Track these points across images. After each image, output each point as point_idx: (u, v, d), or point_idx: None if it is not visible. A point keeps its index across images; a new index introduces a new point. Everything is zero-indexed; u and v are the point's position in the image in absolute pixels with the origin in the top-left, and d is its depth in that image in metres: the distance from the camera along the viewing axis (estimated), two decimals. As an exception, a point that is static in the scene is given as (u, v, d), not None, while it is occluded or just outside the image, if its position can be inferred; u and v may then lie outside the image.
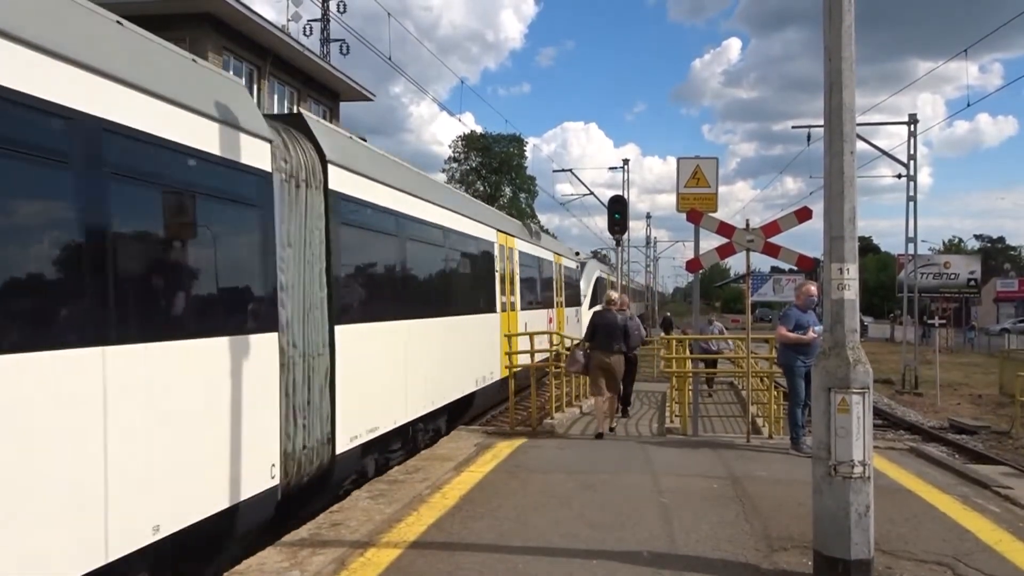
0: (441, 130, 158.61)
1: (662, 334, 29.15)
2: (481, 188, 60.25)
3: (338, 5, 27.64)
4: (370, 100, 26.95)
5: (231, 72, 17.50)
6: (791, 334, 8.73)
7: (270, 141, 6.30)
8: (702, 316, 15.82)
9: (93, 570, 4.23)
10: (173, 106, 5.11)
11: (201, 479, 5.30)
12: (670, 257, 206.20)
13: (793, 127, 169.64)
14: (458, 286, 11.98)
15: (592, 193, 35.11)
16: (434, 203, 10.73)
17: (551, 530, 5.68)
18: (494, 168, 63.44)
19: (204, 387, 5.37)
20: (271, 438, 6.20)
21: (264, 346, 6.07)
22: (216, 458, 5.48)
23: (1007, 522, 5.95)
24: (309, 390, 6.86)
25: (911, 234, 26.14)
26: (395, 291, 9.24)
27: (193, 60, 5.75)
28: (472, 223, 12.81)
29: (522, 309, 16.35)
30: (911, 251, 26.76)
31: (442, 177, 50.97)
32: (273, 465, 6.19)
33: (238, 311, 5.90)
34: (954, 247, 77.96)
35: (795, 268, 19.94)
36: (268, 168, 6.21)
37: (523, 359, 11.98)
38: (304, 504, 7.13)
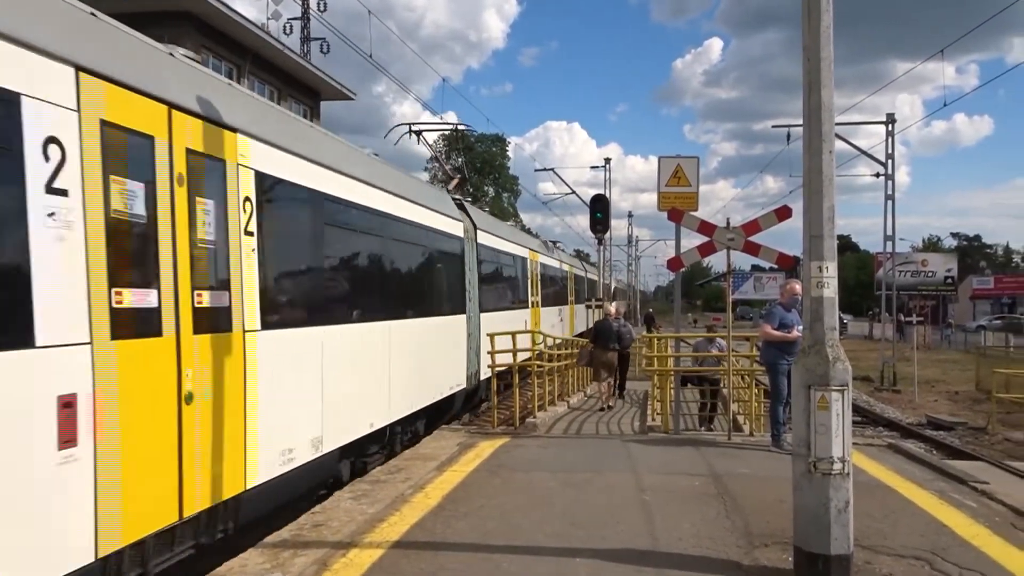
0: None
1: (644, 331, 29.32)
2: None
3: (319, 3, 27.41)
4: (351, 99, 26.84)
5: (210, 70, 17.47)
6: (775, 332, 8.79)
7: (462, 222, 13.08)
8: (695, 317, 16.98)
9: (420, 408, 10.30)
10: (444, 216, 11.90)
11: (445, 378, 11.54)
12: (652, 256, 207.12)
13: (773, 126, 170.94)
14: (516, 289, 18.30)
15: (574, 192, 35.41)
16: (512, 241, 18.48)
17: (534, 529, 5.69)
18: (477, 168, 63.35)
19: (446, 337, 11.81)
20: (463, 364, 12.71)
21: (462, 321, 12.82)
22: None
23: (984, 516, 6.04)
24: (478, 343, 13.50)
25: (889, 232, 26.44)
26: (493, 294, 15.33)
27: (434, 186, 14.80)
28: (521, 248, 19.54)
29: (542, 306, 21.71)
30: (890, 249, 27.03)
31: (425, 176, 50.78)
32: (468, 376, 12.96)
33: (452, 302, 12.13)
34: (931, 245, 78.90)
35: (775, 266, 20.15)
36: (461, 234, 12.90)
37: (509, 358, 12.27)
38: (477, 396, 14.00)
